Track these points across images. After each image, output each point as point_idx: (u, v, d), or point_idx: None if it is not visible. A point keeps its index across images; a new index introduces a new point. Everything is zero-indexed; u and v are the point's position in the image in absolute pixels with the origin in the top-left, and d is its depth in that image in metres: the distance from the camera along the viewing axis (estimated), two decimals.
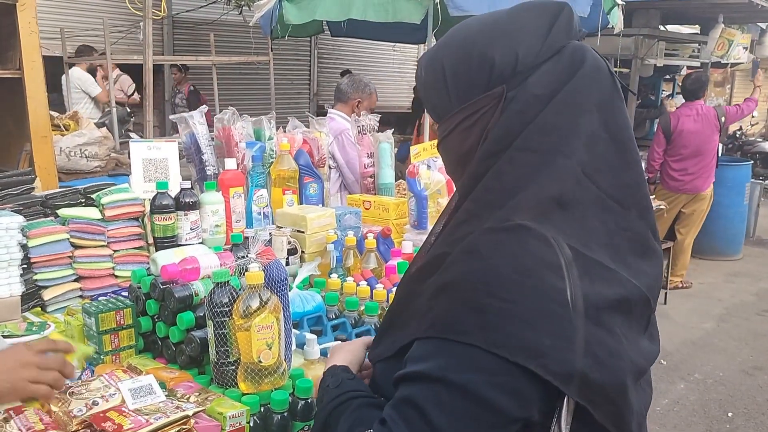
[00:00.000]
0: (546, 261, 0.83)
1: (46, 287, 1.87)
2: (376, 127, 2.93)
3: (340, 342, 1.22)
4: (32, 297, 1.83)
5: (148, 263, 2.05)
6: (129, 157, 5.30)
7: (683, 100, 6.18)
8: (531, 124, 0.89)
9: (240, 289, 1.40)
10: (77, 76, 6.79)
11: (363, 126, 2.89)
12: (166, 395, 1.25)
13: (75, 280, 1.92)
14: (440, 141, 1.04)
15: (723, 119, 5.90)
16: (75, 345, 1.31)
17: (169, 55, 9.13)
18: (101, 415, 1.17)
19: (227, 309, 1.37)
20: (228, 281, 1.40)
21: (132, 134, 6.84)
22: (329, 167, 3.11)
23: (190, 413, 1.20)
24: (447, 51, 0.99)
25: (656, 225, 0.97)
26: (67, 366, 1.16)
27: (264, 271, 1.38)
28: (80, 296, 1.93)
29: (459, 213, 0.95)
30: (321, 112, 8.79)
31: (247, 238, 2.12)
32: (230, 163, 2.30)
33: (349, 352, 1.13)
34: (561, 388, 0.80)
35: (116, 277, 2.00)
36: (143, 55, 4.23)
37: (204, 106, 2.66)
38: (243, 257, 1.53)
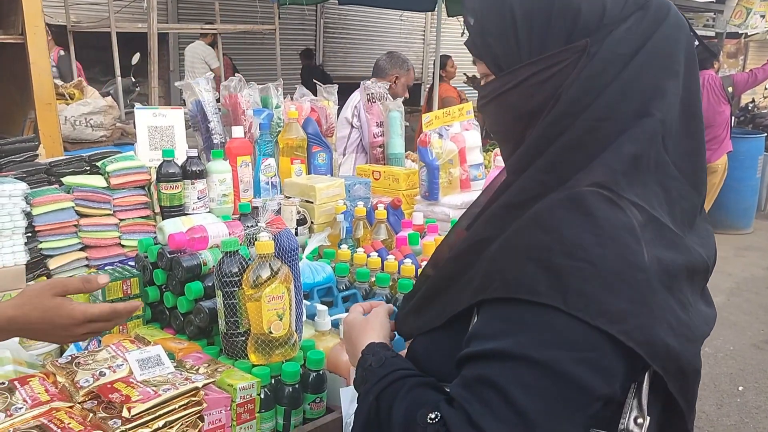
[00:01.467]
0: (620, 225, 0.78)
1: (51, 256, 1.83)
2: (386, 96, 2.87)
3: (358, 313, 1.12)
4: (37, 266, 1.80)
5: (154, 232, 2.01)
6: (134, 126, 5.26)
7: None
8: (610, 86, 0.83)
9: (249, 259, 1.36)
10: (202, 49, 7.75)
11: (372, 94, 2.82)
12: (175, 366, 1.22)
13: (81, 249, 1.89)
14: (498, 95, 0.92)
15: (731, 89, 5.76)
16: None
17: (173, 23, 9.02)
18: (108, 386, 1.14)
19: (237, 279, 1.34)
20: (237, 250, 1.36)
21: (137, 104, 6.79)
22: (351, 126, 3.08)
23: (200, 385, 1.16)
24: None
25: (704, 201, 0.92)
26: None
27: (274, 240, 1.34)
28: (86, 265, 1.89)
29: (523, 181, 0.87)
30: (326, 82, 8.68)
31: (255, 207, 2.08)
32: (237, 131, 2.25)
33: (381, 327, 1.05)
34: (645, 356, 0.76)
35: (122, 246, 1.96)
36: (147, 22, 4.14)
37: (210, 73, 2.58)
38: (252, 226, 1.48)
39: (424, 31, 12.63)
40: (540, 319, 0.76)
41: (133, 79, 7.29)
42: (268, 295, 1.31)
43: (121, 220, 1.96)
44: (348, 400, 1.38)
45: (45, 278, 1.82)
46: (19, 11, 2.75)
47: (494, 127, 1.00)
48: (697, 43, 0.92)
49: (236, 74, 2.77)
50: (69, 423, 1.06)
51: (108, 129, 4.42)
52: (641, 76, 0.83)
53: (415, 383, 0.89)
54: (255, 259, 1.33)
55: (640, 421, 0.81)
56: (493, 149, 2.64)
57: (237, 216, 2.04)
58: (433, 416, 0.80)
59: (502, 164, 2.09)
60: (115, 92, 5.91)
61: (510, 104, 0.92)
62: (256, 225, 1.38)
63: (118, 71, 5.52)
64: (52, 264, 1.83)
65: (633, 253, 0.77)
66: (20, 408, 1.08)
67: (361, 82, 3.12)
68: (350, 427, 1.32)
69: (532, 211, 0.82)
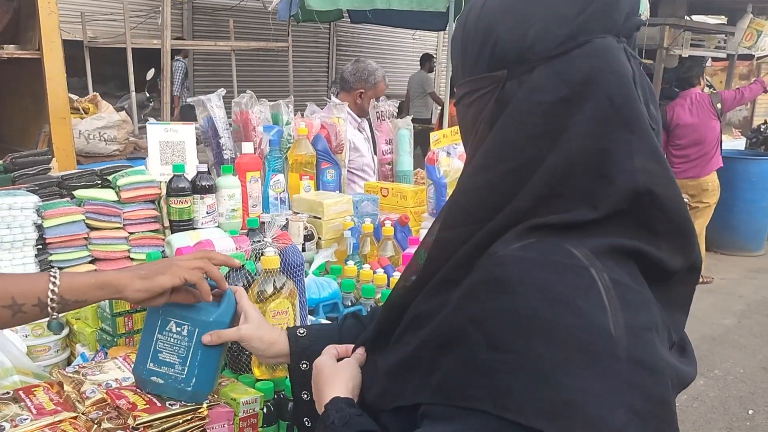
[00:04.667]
0: (583, 291, 0.69)
1: (61, 268, 1.85)
2: (395, 113, 2.89)
3: (330, 356, 1.04)
4: None
5: (163, 246, 2.03)
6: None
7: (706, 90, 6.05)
8: (544, 152, 0.75)
9: (255, 274, 1.37)
10: (423, 76, 9.37)
11: (382, 112, 2.84)
12: None
13: (90, 262, 1.92)
14: (455, 104, 0.94)
15: (719, 105, 5.77)
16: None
17: (189, 39, 9.14)
18: (117, 391, 1.15)
19: None
20: (243, 265, 1.38)
21: (150, 119, 6.88)
22: None
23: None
24: (475, 13, 0.84)
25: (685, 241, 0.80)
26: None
27: (280, 255, 1.35)
28: None
29: (458, 257, 0.81)
30: None
31: (263, 222, 2.09)
32: (247, 147, 2.28)
33: (350, 378, 0.97)
34: None
35: (131, 259, 1.99)
36: (161, 38, 4.21)
37: (222, 90, 2.62)
38: (259, 241, 1.50)
39: (436, 49, 12.71)
40: (476, 423, 0.71)
41: (147, 95, 7.40)
42: (272, 310, 1.32)
43: (130, 233, 1.98)
44: None
45: None
46: (36, 27, 2.81)
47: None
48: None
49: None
50: None
51: (121, 143, 4.49)
52: (581, 144, 0.74)
53: None
54: (260, 274, 1.34)
55: None
56: None
57: (245, 231, 2.06)
58: None
59: None
60: (129, 107, 5.99)
61: (458, 117, 0.91)
62: (263, 240, 1.40)
63: (132, 86, 5.59)
64: None
65: (598, 331, 0.68)
66: (26, 419, 1.10)
67: (332, 98, 3.00)
68: None
69: (460, 291, 0.76)
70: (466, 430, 0.71)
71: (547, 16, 0.76)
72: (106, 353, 1.48)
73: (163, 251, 1.68)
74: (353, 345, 1.07)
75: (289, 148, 2.50)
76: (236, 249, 1.55)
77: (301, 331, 1.14)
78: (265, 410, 1.29)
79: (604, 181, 0.74)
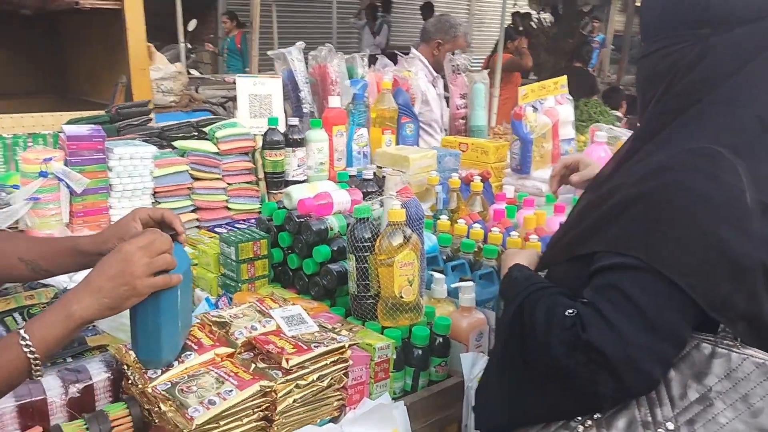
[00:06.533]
0: (733, 197, 0.93)
1: None
2: (469, 66, 2.88)
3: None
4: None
5: (258, 197, 2.09)
6: (197, 91, 5.28)
7: None
8: (727, 81, 1.00)
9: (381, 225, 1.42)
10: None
11: (457, 65, 2.84)
12: (318, 325, 1.29)
13: (192, 211, 1.98)
14: (639, 58, 1.14)
15: None
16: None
17: None
18: (263, 337, 1.22)
19: (369, 244, 1.39)
20: (369, 217, 1.42)
21: (191, 71, 6.90)
22: None
23: (346, 344, 1.23)
24: None
25: None
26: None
27: (404, 208, 1.39)
28: (197, 227, 1.99)
29: (643, 151, 1.07)
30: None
31: (352, 176, 2.14)
32: (334, 101, 2.30)
33: (530, 255, 1.30)
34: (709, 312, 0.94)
35: (228, 209, 2.05)
36: None
37: (302, 42, 2.63)
38: (374, 193, 1.54)
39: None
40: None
41: (189, 46, 7.38)
42: (400, 261, 1.36)
43: (228, 184, 2.04)
44: (469, 365, 1.45)
45: None
46: None
47: (635, 84, 1.21)
48: None
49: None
50: (238, 372, 1.14)
51: (177, 95, 4.53)
52: (756, 71, 0.99)
53: (555, 291, 1.08)
54: (387, 226, 1.38)
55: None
56: (588, 127, 2.61)
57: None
58: (570, 311, 0.99)
59: (602, 140, 2.09)
60: (175, 58, 6.01)
61: (643, 67, 1.14)
62: (386, 193, 1.44)
63: (181, 38, 5.60)
64: None
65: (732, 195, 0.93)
66: (190, 354, 1.17)
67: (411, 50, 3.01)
68: (472, 390, 1.40)
69: (648, 169, 1.00)
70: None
71: None
72: (230, 298, 1.55)
73: (279, 201, 1.72)
74: None
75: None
76: (351, 202, 1.59)
77: None
78: (394, 356, 1.35)
79: None
